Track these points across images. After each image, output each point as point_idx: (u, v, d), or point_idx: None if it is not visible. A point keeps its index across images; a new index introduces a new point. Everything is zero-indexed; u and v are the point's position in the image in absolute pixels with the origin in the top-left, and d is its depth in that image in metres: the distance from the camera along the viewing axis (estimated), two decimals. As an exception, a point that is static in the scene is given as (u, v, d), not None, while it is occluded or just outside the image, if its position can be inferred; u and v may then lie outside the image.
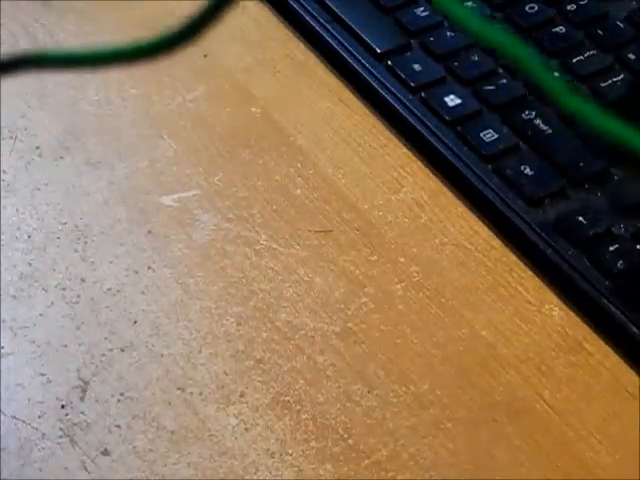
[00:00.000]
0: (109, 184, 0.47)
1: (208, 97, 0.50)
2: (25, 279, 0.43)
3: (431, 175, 0.47)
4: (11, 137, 0.48)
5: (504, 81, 0.49)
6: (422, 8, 0.52)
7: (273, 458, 0.39)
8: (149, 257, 0.44)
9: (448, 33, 0.51)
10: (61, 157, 0.48)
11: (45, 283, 0.43)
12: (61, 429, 0.39)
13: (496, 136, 0.47)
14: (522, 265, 0.44)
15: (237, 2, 0.19)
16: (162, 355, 0.41)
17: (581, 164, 0.46)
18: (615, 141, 0.17)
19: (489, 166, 0.46)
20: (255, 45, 0.53)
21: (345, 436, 0.39)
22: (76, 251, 0.44)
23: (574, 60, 0.50)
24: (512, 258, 0.44)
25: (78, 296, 0.43)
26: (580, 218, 0.44)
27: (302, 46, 0.53)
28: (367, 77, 0.50)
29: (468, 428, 0.40)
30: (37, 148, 0.48)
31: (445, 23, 0.52)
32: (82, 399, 0.40)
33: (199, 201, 0.46)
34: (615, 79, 0.49)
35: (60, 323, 0.42)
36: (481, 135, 0.47)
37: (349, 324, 0.42)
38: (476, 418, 0.40)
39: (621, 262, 0.42)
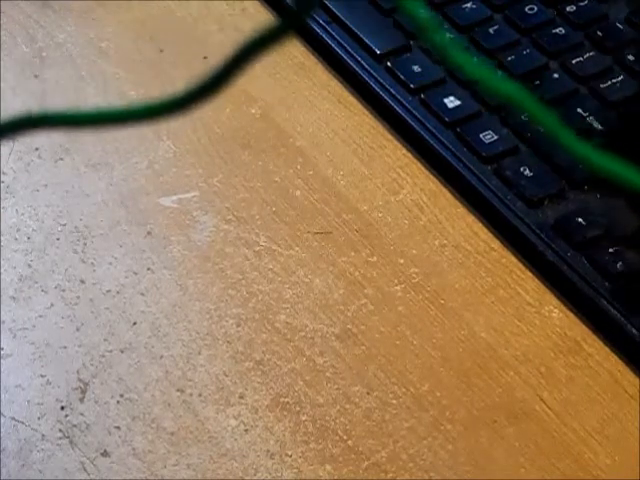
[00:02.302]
0: (108, 185, 0.47)
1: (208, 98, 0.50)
2: (25, 280, 0.43)
3: (431, 176, 0.47)
4: (10, 138, 0.48)
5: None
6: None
7: (273, 459, 0.39)
8: (148, 258, 0.44)
9: (447, 34, 0.51)
10: (61, 158, 0.48)
11: (45, 284, 0.43)
12: (61, 430, 0.39)
13: (496, 137, 0.47)
14: (521, 266, 0.44)
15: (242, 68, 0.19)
16: (161, 356, 0.41)
17: (580, 165, 0.46)
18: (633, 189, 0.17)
19: (488, 167, 0.46)
20: (255, 46, 0.52)
21: (345, 437, 0.39)
22: (76, 252, 0.44)
23: (574, 61, 0.50)
24: (511, 259, 0.45)
25: (78, 297, 0.43)
26: (579, 219, 0.44)
27: (302, 47, 0.53)
28: (367, 78, 0.50)
29: (467, 429, 0.40)
30: (36, 149, 0.48)
31: (444, 25, 0.52)
32: (82, 400, 0.40)
33: (198, 202, 0.46)
34: (614, 80, 0.49)
35: (60, 324, 0.42)
36: (480, 136, 0.47)
37: (349, 325, 0.42)
38: (475, 419, 0.40)
39: (620, 264, 0.42)
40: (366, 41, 0.51)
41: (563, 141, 0.17)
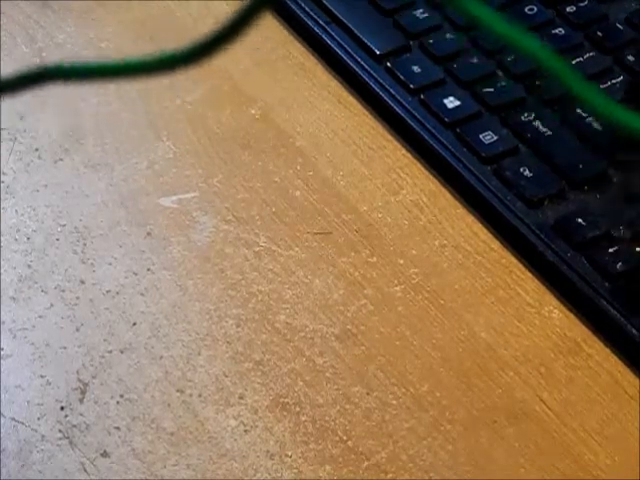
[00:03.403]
0: (108, 186, 0.47)
1: (207, 99, 0.50)
2: (24, 281, 0.43)
3: (430, 177, 0.47)
4: (10, 139, 0.48)
5: (503, 83, 0.49)
6: (421, 10, 0.52)
7: (272, 460, 0.39)
8: (148, 259, 0.44)
9: (447, 35, 0.51)
10: (60, 159, 0.48)
11: (44, 285, 0.43)
12: (60, 431, 0.39)
13: (495, 138, 0.47)
14: (521, 267, 0.44)
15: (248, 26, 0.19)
16: (161, 357, 0.41)
17: (580, 166, 0.46)
18: None
19: (488, 168, 0.46)
20: (254, 47, 0.53)
21: (344, 438, 0.39)
22: (75, 253, 0.44)
23: (573, 62, 0.50)
24: (511, 260, 0.44)
25: (77, 298, 0.43)
26: (579, 220, 0.44)
27: (301, 48, 0.53)
28: (366, 79, 0.50)
29: (467, 430, 0.40)
30: (36, 150, 0.48)
31: (444, 25, 0.52)
32: (81, 401, 0.40)
33: (198, 203, 0.46)
34: (614, 81, 0.49)
35: (59, 325, 0.42)
36: (480, 137, 0.47)
37: (348, 326, 0.42)
38: (475, 420, 0.40)
39: (620, 264, 0.42)
40: (366, 41, 0.51)
41: (583, 95, 0.17)
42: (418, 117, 0.48)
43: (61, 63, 0.20)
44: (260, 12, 0.19)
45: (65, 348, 0.41)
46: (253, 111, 0.50)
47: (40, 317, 0.42)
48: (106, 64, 0.19)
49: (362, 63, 0.50)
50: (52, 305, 0.43)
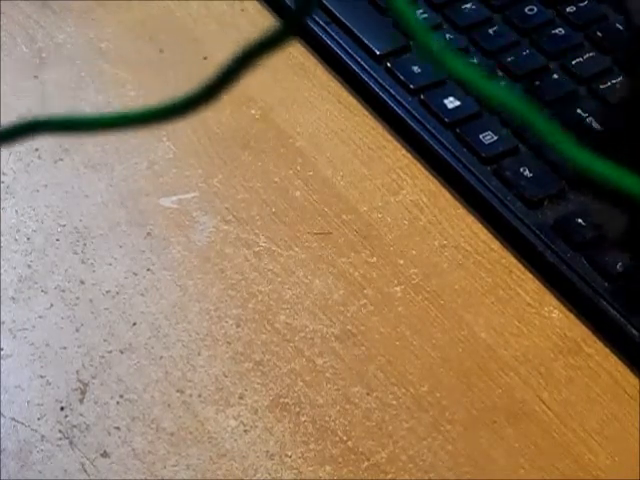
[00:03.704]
0: (108, 186, 0.47)
1: (207, 99, 0.50)
2: (24, 281, 0.43)
3: (430, 177, 0.47)
4: (10, 139, 0.48)
5: (503, 83, 0.49)
6: (421, 10, 0.52)
7: (272, 460, 0.39)
8: (148, 259, 0.44)
9: (447, 35, 0.51)
10: (60, 159, 0.48)
11: (44, 285, 0.43)
12: (60, 431, 0.39)
13: (495, 138, 0.47)
14: (521, 267, 0.44)
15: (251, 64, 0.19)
16: (161, 357, 0.41)
17: (577, 170, 0.46)
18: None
19: (488, 168, 0.46)
20: (254, 47, 0.52)
21: (344, 438, 0.39)
22: (75, 253, 0.44)
23: (573, 62, 0.50)
24: (511, 260, 0.45)
25: (77, 298, 0.43)
26: (579, 220, 0.44)
27: (301, 48, 0.53)
28: (366, 79, 0.50)
29: (467, 430, 0.40)
30: (36, 150, 0.48)
31: (444, 25, 0.52)
32: (81, 401, 0.40)
33: (198, 203, 0.46)
34: (614, 81, 0.49)
35: (59, 325, 0.42)
36: (480, 137, 0.47)
37: (348, 326, 0.42)
38: (475, 420, 0.40)
39: (620, 264, 0.42)
40: (366, 42, 0.51)
41: (560, 146, 0.17)
42: (418, 117, 0.48)
43: (52, 116, 0.19)
44: (251, 62, 0.18)
45: (65, 348, 0.41)
46: (253, 111, 0.50)
47: (40, 317, 0.42)
48: (93, 117, 0.19)
49: (362, 63, 0.50)
50: (52, 305, 0.43)
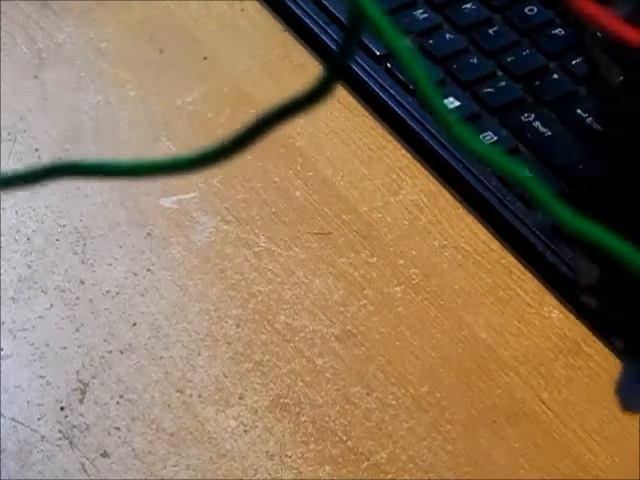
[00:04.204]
0: (108, 186, 0.47)
1: (207, 99, 0.50)
2: (24, 281, 0.43)
3: (430, 177, 0.47)
4: (10, 139, 0.48)
5: (503, 84, 0.49)
6: (421, 11, 0.52)
7: (272, 460, 0.39)
8: (148, 259, 0.44)
9: (447, 35, 0.51)
10: (60, 159, 0.48)
11: (44, 285, 0.43)
12: (60, 431, 0.39)
13: (495, 138, 0.47)
14: (521, 267, 0.44)
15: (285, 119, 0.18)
16: (161, 357, 0.41)
17: (580, 166, 0.46)
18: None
19: (488, 169, 0.46)
20: (254, 47, 0.53)
21: (344, 438, 0.39)
22: (75, 253, 0.44)
23: (573, 62, 0.50)
24: (511, 260, 0.45)
25: (77, 298, 0.43)
26: (579, 220, 0.44)
27: (301, 48, 0.53)
28: (366, 79, 0.50)
29: (467, 430, 0.40)
30: (36, 150, 0.48)
31: (444, 25, 0.52)
32: (81, 401, 0.40)
33: (198, 203, 0.46)
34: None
35: (59, 325, 0.42)
36: (480, 137, 0.47)
37: (348, 326, 0.42)
38: (475, 420, 0.40)
39: (620, 264, 0.42)
40: (366, 42, 0.51)
41: (562, 218, 0.17)
42: (418, 117, 0.48)
43: (82, 160, 0.19)
44: (269, 128, 0.18)
45: (65, 348, 0.41)
46: (253, 111, 0.50)
47: (40, 317, 0.42)
48: (123, 163, 0.19)
49: (362, 63, 0.50)
50: (52, 305, 0.43)
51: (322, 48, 0.52)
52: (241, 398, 0.40)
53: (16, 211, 0.46)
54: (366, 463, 0.39)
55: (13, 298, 0.43)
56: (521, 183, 0.17)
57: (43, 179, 0.20)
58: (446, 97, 0.49)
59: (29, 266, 0.44)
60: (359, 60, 0.51)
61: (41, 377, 0.41)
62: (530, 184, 0.17)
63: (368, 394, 0.41)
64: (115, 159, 0.19)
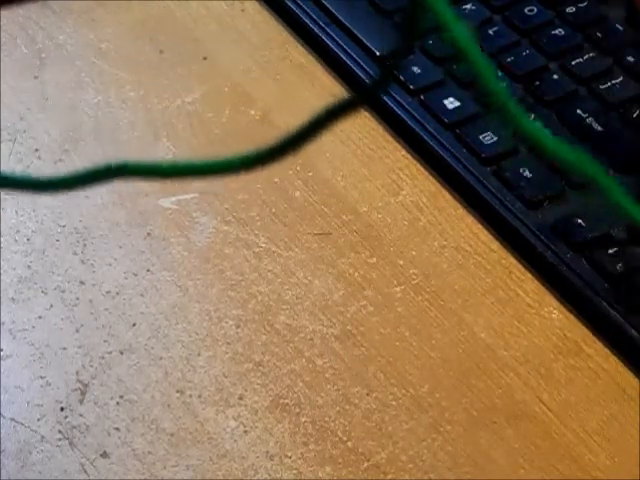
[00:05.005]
0: (108, 187, 0.47)
1: (207, 99, 0.50)
2: (24, 282, 0.43)
3: (430, 178, 0.47)
4: (10, 139, 0.48)
5: (503, 84, 0.49)
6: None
7: (272, 461, 0.39)
8: (148, 260, 0.44)
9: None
10: (60, 160, 0.48)
11: (44, 286, 0.43)
12: (60, 432, 0.39)
13: (495, 139, 0.47)
14: (521, 268, 0.44)
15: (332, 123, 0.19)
16: (161, 358, 0.41)
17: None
18: None
19: (488, 169, 0.46)
20: (254, 47, 0.53)
21: (344, 439, 0.39)
22: (75, 254, 0.44)
23: (573, 62, 0.50)
24: (511, 261, 0.45)
25: (77, 299, 0.43)
26: (579, 221, 0.44)
27: (301, 49, 0.53)
28: (366, 80, 0.50)
29: (467, 431, 0.40)
30: (36, 151, 0.48)
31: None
32: (81, 402, 0.40)
33: (198, 204, 0.46)
34: (614, 81, 0.49)
35: (59, 326, 0.42)
36: (480, 138, 0.47)
37: (348, 327, 0.42)
38: (475, 421, 0.40)
39: (620, 265, 0.42)
40: (365, 42, 0.51)
41: (625, 206, 0.17)
42: (418, 118, 0.48)
43: (126, 161, 0.20)
44: (334, 119, 0.19)
45: (65, 349, 0.41)
46: (253, 111, 0.50)
47: (40, 318, 0.42)
48: (170, 165, 0.19)
49: (361, 64, 0.50)
50: (52, 306, 0.43)
51: (322, 48, 0.52)
52: (241, 398, 0.40)
53: (16, 211, 0.46)
54: (366, 463, 0.39)
55: (13, 298, 0.43)
56: (587, 175, 0.17)
57: (97, 181, 0.20)
58: (446, 97, 0.49)
59: (29, 266, 0.44)
60: (359, 61, 0.51)
61: (41, 377, 0.41)
62: (599, 177, 0.17)
63: (368, 394, 0.41)
64: (161, 161, 0.20)
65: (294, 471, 0.38)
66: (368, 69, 0.50)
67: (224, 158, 0.19)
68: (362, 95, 0.18)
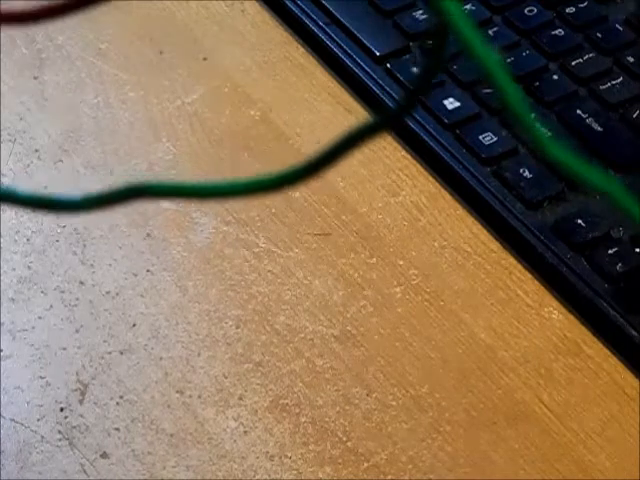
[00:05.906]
0: (108, 187, 0.47)
1: (207, 100, 0.50)
2: (24, 282, 0.43)
3: (430, 178, 0.47)
4: (10, 140, 0.48)
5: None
6: (421, 11, 0.52)
7: (272, 461, 0.39)
8: (148, 260, 0.44)
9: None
10: (60, 160, 0.48)
11: (44, 286, 0.43)
12: (60, 432, 0.39)
13: (495, 139, 0.47)
14: (521, 268, 0.44)
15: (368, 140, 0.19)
16: (161, 358, 0.41)
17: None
18: None
19: (488, 169, 0.46)
20: (254, 48, 0.53)
21: (344, 439, 0.39)
22: (75, 254, 0.44)
23: (573, 63, 0.50)
24: (511, 261, 0.44)
25: (77, 299, 0.43)
26: (579, 221, 0.44)
27: (301, 49, 0.53)
28: (366, 80, 0.50)
29: (467, 431, 0.40)
30: (36, 151, 0.48)
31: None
32: (81, 402, 0.40)
33: (198, 204, 0.46)
34: (614, 82, 0.49)
35: (59, 326, 0.42)
36: (480, 138, 0.47)
37: (348, 327, 0.42)
38: (475, 421, 0.40)
39: (620, 265, 0.42)
40: (365, 43, 0.51)
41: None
42: (417, 118, 0.48)
43: (150, 181, 0.20)
44: (367, 137, 0.19)
45: (65, 349, 0.41)
46: (253, 112, 0.50)
47: (40, 318, 0.42)
48: (195, 185, 0.19)
49: (362, 64, 0.50)
50: (52, 306, 0.43)
51: (322, 48, 0.52)
52: (241, 399, 0.40)
53: (16, 212, 0.46)
54: (366, 464, 0.39)
55: (13, 299, 0.43)
56: (622, 206, 0.17)
57: (119, 201, 0.20)
58: (446, 98, 0.49)
59: (29, 267, 0.44)
60: (359, 61, 0.51)
61: (41, 378, 0.41)
62: (632, 208, 0.17)
63: (368, 395, 0.41)
64: (186, 181, 0.20)
65: (294, 471, 0.38)
66: (368, 69, 0.50)
67: (247, 180, 0.19)
68: (386, 119, 0.18)
